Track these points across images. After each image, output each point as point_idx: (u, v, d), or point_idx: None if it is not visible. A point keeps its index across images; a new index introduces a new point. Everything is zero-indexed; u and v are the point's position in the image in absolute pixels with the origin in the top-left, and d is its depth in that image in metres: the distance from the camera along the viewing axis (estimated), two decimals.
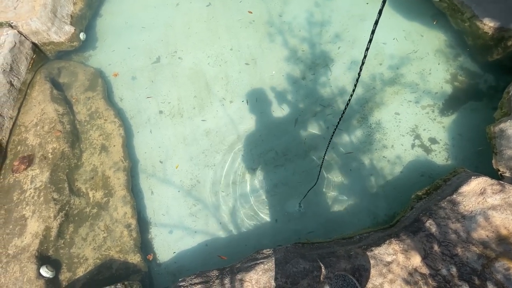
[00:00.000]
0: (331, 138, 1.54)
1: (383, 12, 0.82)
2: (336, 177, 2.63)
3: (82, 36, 3.28)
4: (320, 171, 1.93)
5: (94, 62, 3.37)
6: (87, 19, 3.48)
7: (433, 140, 2.67)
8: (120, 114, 3.02)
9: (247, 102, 3.01)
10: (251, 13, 3.48)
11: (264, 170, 2.71)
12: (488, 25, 2.70)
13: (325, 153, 1.69)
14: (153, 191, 2.69)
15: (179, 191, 2.67)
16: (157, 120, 3.01)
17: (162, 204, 2.64)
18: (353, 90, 1.18)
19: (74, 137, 2.72)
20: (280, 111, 2.97)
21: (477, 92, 2.83)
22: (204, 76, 3.22)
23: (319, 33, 3.34)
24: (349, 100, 1.23)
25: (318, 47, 3.27)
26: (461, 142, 2.63)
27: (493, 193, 1.75)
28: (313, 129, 2.85)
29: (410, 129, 2.74)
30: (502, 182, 1.82)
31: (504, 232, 1.62)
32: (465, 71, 2.93)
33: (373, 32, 0.90)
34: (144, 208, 2.63)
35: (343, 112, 1.31)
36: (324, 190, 2.58)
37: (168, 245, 2.49)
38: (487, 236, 1.63)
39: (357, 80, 1.12)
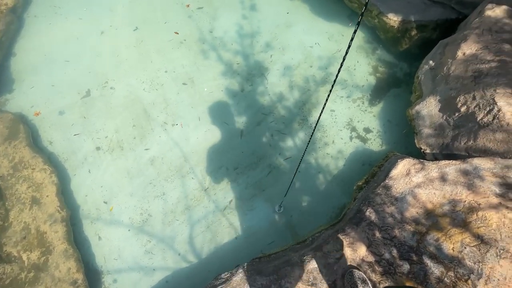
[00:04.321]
0: (314, 130, 1.56)
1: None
2: (286, 182, 2.68)
3: None
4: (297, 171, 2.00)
5: (13, 106, 3.04)
6: None
7: (367, 130, 2.88)
8: (51, 159, 2.76)
9: (183, 124, 2.95)
10: (178, 33, 3.45)
11: (217, 188, 2.66)
12: (393, 19, 3.02)
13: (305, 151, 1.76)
14: (100, 236, 2.48)
15: (129, 230, 2.50)
16: (95, 158, 2.80)
17: (113, 248, 2.44)
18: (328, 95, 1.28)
19: None
20: (224, 126, 2.96)
21: (396, 80, 3.13)
22: (141, 103, 3.09)
23: (251, 44, 3.43)
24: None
25: (251, 58, 3.35)
26: (391, 127, 2.87)
27: (416, 172, 1.93)
28: (259, 138, 2.89)
29: (346, 123, 2.93)
30: (422, 160, 2.01)
31: (429, 206, 1.79)
32: (383, 63, 3.23)
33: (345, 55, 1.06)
34: (92, 257, 2.40)
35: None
36: (278, 197, 2.62)
37: None
38: (417, 212, 1.79)
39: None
